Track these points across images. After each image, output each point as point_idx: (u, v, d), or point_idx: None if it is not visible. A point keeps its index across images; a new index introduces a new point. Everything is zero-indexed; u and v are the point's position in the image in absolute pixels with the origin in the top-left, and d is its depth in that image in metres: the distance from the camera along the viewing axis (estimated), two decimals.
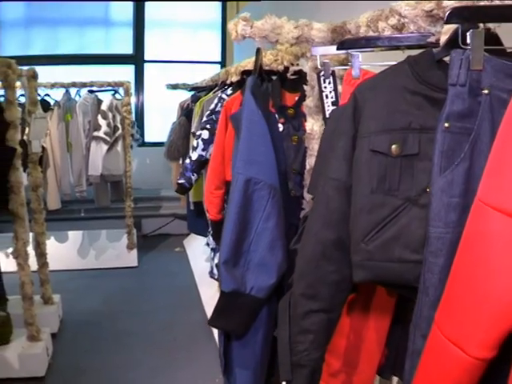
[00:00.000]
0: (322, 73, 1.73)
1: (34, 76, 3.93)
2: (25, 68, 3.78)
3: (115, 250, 6.07)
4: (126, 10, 7.61)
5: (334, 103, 1.74)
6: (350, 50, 1.61)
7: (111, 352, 3.88)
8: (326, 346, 1.44)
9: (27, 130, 3.95)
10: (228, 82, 3.64)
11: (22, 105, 4.27)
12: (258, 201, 1.81)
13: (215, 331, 3.89)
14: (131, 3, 7.57)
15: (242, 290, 1.84)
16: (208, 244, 4.10)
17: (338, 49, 1.60)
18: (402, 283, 1.26)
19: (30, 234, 3.86)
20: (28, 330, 3.56)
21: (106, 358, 3.80)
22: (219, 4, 7.72)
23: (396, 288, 1.40)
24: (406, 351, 1.22)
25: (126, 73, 7.43)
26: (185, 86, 6.30)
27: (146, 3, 7.59)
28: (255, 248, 1.82)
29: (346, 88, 1.63)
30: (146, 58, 7.74)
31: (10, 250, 3.48)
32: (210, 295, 4.57)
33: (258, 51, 1.94)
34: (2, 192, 3.26)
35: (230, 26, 1.78)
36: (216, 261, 3.89)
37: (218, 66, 7.66)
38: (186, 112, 4.75)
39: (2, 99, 3.29)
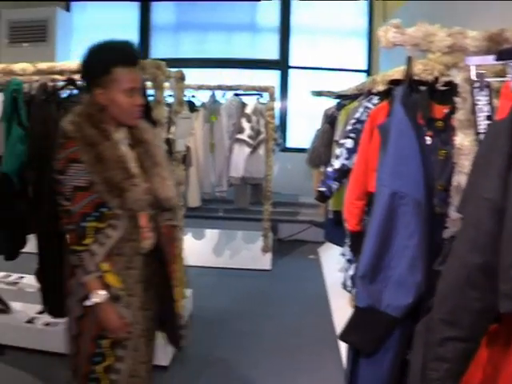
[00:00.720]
0: (477, 85, 1.63)
1: (182, 78, 4.07)
2: (173, 70, 3.93)
3: (250, 252, 6.17)
4: (273, 16, 7.74)
5: (488, 117, 1.63)
6: (509, 61, 1.50)
7: (234, 350, 3.96)
8: (461, 377, 1.35)
9: (172, 128, 4.09)
10: (374, 91, 3.57)
11: (169, 105, 4.44)
12: (403, 216, 1.75)
13: (342, 343, 3.83)
14: (278, 10, 7.67)
15: (377, 306, 1.79)
16: (344, 254, 4.04)
17: (496, 59, 1.50)
18: None
19: None
20: None
21: (229, 355, 3.88)
22: (366, 11, 7.63)
23: None
24: None
25: (270, 78, 7.56)
26: (329, 94, 6.27)
27: (293, 9, 7.67)
28: (395, 265, 1.76)
29: (503, 102, 1.53)
30: (291, 63, 7.81)
31: None
32: (339, 306, 4.51)
33: (409, 60, 1.86)
34: None
35: (381, 32, 1.72)
36: (351, 272, 3.82)
37: (364, 74, 7.58)
38: (330, 119, 4.72)
39: (151, 99, 3.42)
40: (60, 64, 3.39)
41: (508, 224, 1.19)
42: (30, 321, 4.05)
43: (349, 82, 5.99)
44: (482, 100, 1.63)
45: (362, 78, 7.16)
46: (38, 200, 3.36)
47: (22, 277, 4.79)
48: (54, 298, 3.65)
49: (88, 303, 2.12)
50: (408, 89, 1.91)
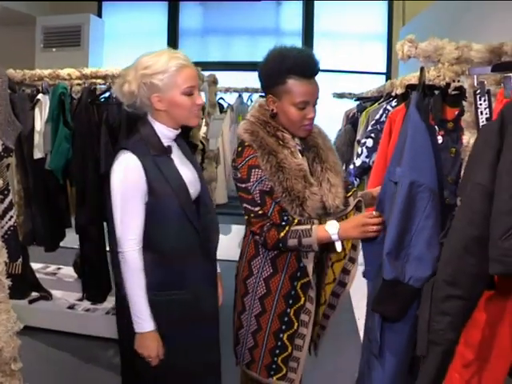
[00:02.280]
0: (478, 91, 1.86)
1: (215, 81, 4.35)
2: (206, 74, 4.18)
3: None
4: (296, 21, 8.00)
5: (487, 119, 1.85)
6: (502, 72, 1.75)
7: None
8: (461, 329, 1.60)
9: (205, 129, 4.37)
10: (393, 93, 3.79)
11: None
12: (420, 201, 1.93)
13: (360, 328, 4.03)
14: (301, 14, 7.94)
15: (401, 279, 1.96)
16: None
17: (492, 70, 1.74)
18: None
19: None
20: None
21: None
22: (385, 16, 7.83)
23: None
24: None
25: None
26: (351, 96, 6.47)
27: (315, 14, 7.93)
28: (415, 243, 1.95)
29: (497, 106, 1.77)
30: None
31: None
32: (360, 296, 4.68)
33: (422, 70, 2.08)
34: None
35: (398, 46, 1.96)
36: None
37: (383, 76, 7.76)
38: (352, 120, 4.93)
39: None
40: (104, 70, 3.66)
41: (495, 204, 1.44)
42: (71, 307, 4.34)
43: (369, 84, 6.20)
44: (483, 104, 1.86)
45: (381, 80, 7.37)
46: (82, 194, 3.65)
47: (59, 268, 5.11)
48: (94, 285, 3.96)
49: (338, 243, 2.14)
50: (421, 94, 2.15)
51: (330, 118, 7.38)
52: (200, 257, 2.21)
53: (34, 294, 4.51)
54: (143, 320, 2.08)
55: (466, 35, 1.99)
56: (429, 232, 1.95)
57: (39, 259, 4.91)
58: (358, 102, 5.41)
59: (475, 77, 1.88)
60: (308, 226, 2.14)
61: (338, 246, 2.16)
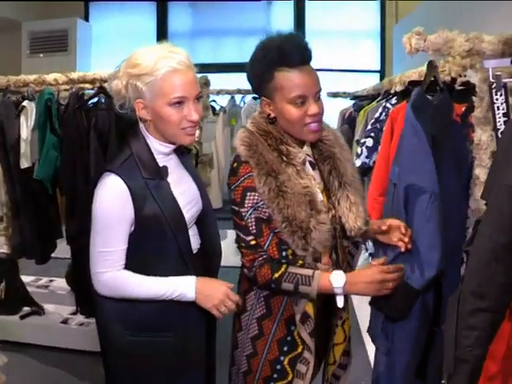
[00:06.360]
0: (494, 85, 1.75)
1: (207, 83, 4.21)
2: (198, 76, 4.06)
3: None
4: (287, 21, 7.90)
5: (504, 114, 1.76)
6: None
7: None
8: (489, 344, 1.47)
9: (198, 132, 4.24)
10: (392, 91, 3.68)
11: None
12: (419, 204, 1.88)
13: (367, 341, 3.91)
14: (292, 13, 7.85)
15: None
16: (366, 249, 4.14)
17: None
18: None
19: None
20: None
21: None
22: (378, 13, 7.77)
23: None
24: None
25: None
26: (345, 95, 6.37)
27: (306, 12, 7.86)
28: (418, 244, 1.90)
29: None
30: None
31: None
32: (361, 299, 4.58)
33: (429, 64, 1.98)
34: None
35: (405, 39, 1.84)
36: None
37: (377, 74, 7.68)
38: (348, 120, 4.82)
39: None
40: (91, 73, 3.53)
41: None
42: (64, 321, 4.18)
43: (363, 83, 6.10)
44: (499, 99, 1.75)
45: (375, 79, 7.28)
46: (72, 203, 3.51)
47: (51, 280, 4.93)
48: (87, 298, 3.83)
49: (340, 297, 1.77)
50: (422, 91, 2.04)
51: (324, 118, 7.31)
52: None
53: (26, 309, 4.35)
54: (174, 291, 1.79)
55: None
56: (430, 234, 1.92)
57: (31, 271, 4.78)
58: (353, 101, 5.30)
59: (490, 70, 1.76)
60: (309, 273, 1.76)
61: (340, 302, 1.79)
